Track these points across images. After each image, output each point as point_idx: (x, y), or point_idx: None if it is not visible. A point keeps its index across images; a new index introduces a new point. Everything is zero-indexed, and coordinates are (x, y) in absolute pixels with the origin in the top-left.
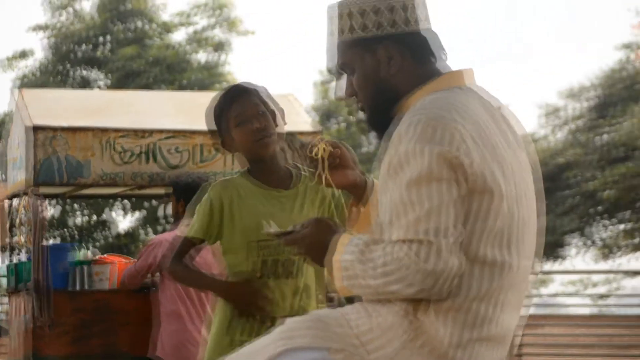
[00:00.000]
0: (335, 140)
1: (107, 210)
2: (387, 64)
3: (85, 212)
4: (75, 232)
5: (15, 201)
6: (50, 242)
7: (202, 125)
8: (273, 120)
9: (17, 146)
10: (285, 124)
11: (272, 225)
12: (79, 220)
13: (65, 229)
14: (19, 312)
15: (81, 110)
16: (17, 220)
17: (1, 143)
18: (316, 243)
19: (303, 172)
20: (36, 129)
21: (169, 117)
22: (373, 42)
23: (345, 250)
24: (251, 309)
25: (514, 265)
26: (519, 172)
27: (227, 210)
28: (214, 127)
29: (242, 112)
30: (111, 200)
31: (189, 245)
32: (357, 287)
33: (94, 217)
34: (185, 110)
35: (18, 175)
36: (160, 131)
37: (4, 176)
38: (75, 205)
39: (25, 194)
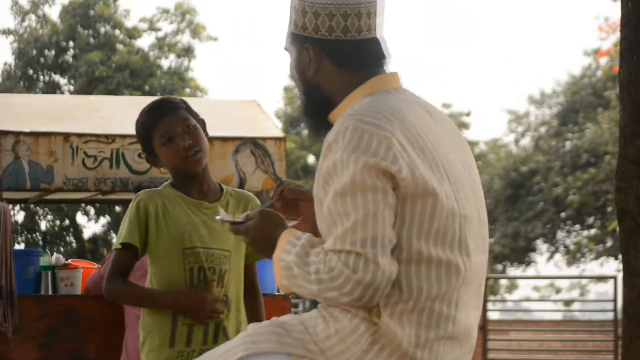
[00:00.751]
0: (288, 185)
1: (75, 215)
2: (307, 65)
3: (51, 217)
4: (41, 237)
5: None
6: (16, 247)
7: None
8: (203, 130)
9: None
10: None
11: (222, 213)
12: (44, 225)
13: (31, 234)
14: None
15: (45, 115)
16: None
17: None
18: (260, 236)
19: (228, 187)
20: (0, 134)
21: (134, 122)
22: (302, 41)
23: (284, 249)
24: (207, 315)
25: (460, 262)
26: (460, 169)
27: (153, 218)
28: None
29: (169, 129)
30: (78, 205)
31: (121, 257)
32: (297, 287)
33: (61, 222)
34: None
35: None
36: (125, 136)
37: None
38: (41, 211)
39: None
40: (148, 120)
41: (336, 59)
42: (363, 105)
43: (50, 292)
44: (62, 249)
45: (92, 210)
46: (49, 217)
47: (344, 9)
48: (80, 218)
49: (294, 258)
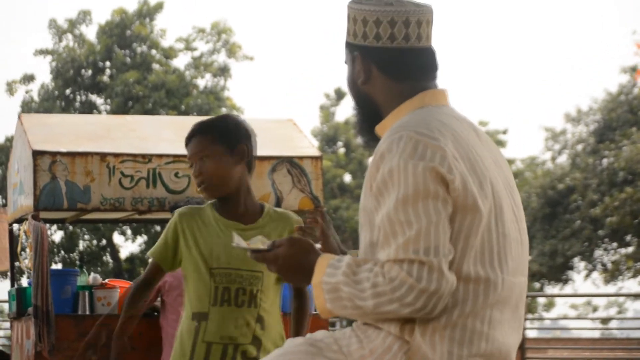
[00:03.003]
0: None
1: (112, 234)
2: (358, 73)
3: (88, 237)
4: (78, 257)
5: (16, 227)
6: (54, 267)
7: None
8: (237, 153)
9: (18, 171)
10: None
11: (237, 239)
12: (82, 245)
13: (68, 254)
14: (21, 338)
15: (82, 135)
16: (19, 246)
17: (3, 168)
18: (292, 264)
19: (270, 208)
20: (36, 154)
21: (170, 142)
22: (353, 49)
23: (326, 272)
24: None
25: (498, 280)
26: (502, 188)
27: (186, 236)
28: None
29: (190, 156)
30: (115, 225)
31: (151, 269)
32: (345, 310)
33: (98, 242)
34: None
35: (19, 201)
36: (161, 156)
37: (4, 201)
38: (78, 230)
39: (27, 219)
40: (185, 142)
41: (384, 66)
42: (415, 117)
43: (87, 312)
44: (99, 268)
45: (128, 230)
46: (86, 236)
47: (391, 15)
48: (117, 238)
49: (342, 278)
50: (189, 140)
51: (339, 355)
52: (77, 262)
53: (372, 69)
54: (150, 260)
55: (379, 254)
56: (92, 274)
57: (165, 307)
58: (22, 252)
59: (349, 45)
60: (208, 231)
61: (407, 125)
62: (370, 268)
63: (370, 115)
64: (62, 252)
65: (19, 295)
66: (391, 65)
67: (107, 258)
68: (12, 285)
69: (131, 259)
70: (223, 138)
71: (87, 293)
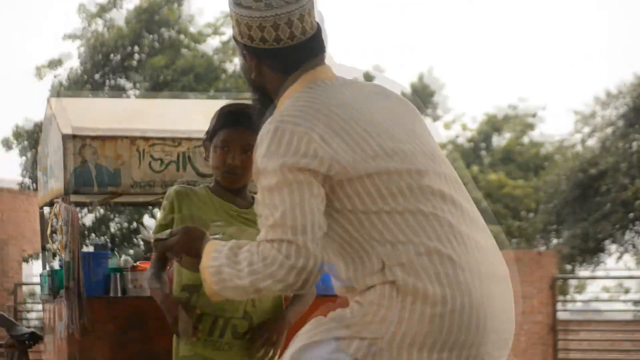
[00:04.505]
0: None
1: (142, 217)
2: (249, 69)
3: (118, 220)
4: (109, 239)
5: (47, 210)
6: (84, 250)
7: None
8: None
9: (48, 155)
10: None
11: (144, 232)
12: (112, 228)
13: (99, 237)
14: (54, 320)
15: (112, 118)
16: (49, 229)
17: (33, 152)
18: (186, 250)
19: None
20: (66, 137)
21: (200, 125)
22: (241, 48)
23: (211, 257)
24: (175, 331)
25: (426, 209)
26: (413, 152)
27: (182, 211)
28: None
29: (232, 140)
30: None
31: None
32: (228, 290)
33: (129, 225)
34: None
35: (50, 184)
36: (191, 139)
37: (35, 185)
38: (109, 214)
39: (58, 202)
40: (225, 120)
41: (271, 65)
42: (286, 105)
43: (119, 294)
44: (130, 251)
45: (159, 213)
46: (117, 219)
47: (273, 20)
48: (147, 220)
49: (224, 260)
50: (239, 125)
51: (347, 320)
52: (108, 245)
53: (261, 66)
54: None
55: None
56: (124, 256)
57: None
58: (53, 235)
59: (237, 43)
60: (204, 209)
61: (277, 115)
62: (249, 249)
63: (264, 102)
64: (93, 234)
65: (51, 278)
66: (279, 63)
67: (138, 241)
68: (44, 268)
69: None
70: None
71: (118, 275)
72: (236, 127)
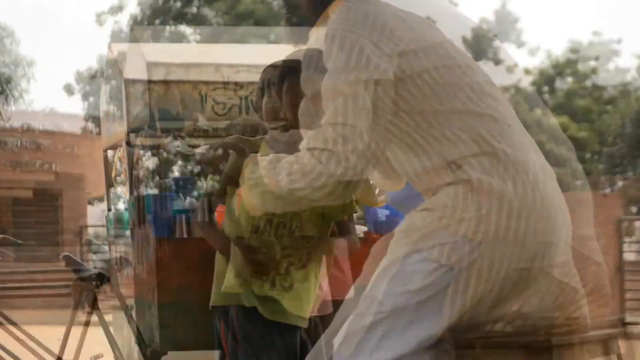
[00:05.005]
0: None
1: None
2: None
3: (182, 163)
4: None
5: (111, 153)
6: (150, 191)
7: None
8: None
9: (112, 99)
10: None
11: (182, 145)
12: (176, 171)
13: (163, 180)
14: (120, 261)
15: (174, 63)
16: (114, 172)
17: (96, 96)
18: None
19: None
20: (128, 82)
21: (261, 69)
22: None
23: (250, 170)
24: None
25: (488, 110)
26: (440, 41)
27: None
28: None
29: (280, 95)
30: None
31: (210, 193)
32: (268, 202)
33: (192, 168)
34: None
35: (113, 128)
36: (253, 83)
37: (98, 128)
38: (172, 157)
39: (121, 145)
40: (276, 75)
41: None
42: (342, 11)
43: (185, 235)
44: (194, 193)
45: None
46: (180, 163)
47: None
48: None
49: (263, 172)
50: (285, 80)
51: (424, 229)
52: (173, 188)
53: None
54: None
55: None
56: (189, 198)
57: None
58: (117, 178)
59: None
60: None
61: (336, 22)
62: (288, 160)
63: (314, 7)
64: (157, 177)
65: (116, 220)
66: None
67: (202, 183)
68: (109, 210)
69: None
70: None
71: (183, 217)
72: (287, 81)
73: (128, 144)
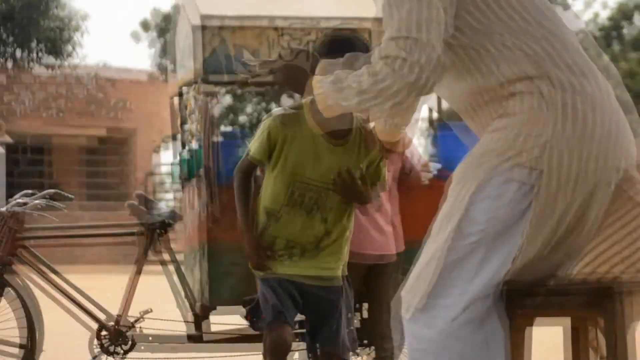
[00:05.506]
0: None
1: (279, 99)
2: None
3: (255, 101)
4: (242, 127)
5: (184, 93)
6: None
7: (369, 13)
8: None
9: (185, 38)
10: None
11: (248, 55)
12: (249, 109)
13: (236, 119)
14: (192, 200)
15: (241, 8)
16: (187, 112)
17: (170, 35)
18: (294, 71)
19: (360, 125)
20: (195, 27)
21: (328, 12)
22: None
23: (317, 87)
24: (252, 264)
25: (555, 28)
26: None
27: (279, 146)
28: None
29: (332, 70)
30: (283, 89)
31: (249, 164)
32: (339, 108)
33: (266, 106)
34: (351, 1)
35: (188, 65)
36: (329, 18)
37: (172, 66)
38: (245, 95)
39: (193, 86)
40: (329, 49)
41: None
42: None
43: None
44: None
45: (296, 95)
46: (254, 101)
47: None
48: (284, 102)
49: (329, 86)
50: (338, 54)
51: (498, 145)
52: (246, 127)
53: None
54: (249, 157)
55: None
56: None
57: None
58: (183, 124)
59: None
60: (300, 142)
61: None
62: (356, 73)
63: None
64: (230, 117)
65: (182, 166)
66: None
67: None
68: (175, 157)
69: None
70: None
71: None
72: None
73: (194, 90)
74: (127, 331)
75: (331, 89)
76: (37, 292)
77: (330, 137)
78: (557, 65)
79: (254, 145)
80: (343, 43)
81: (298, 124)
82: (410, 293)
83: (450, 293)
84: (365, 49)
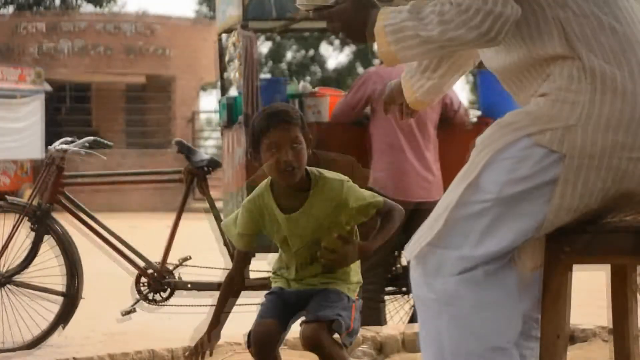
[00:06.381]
0: None
1: (319, 45)
2: None
3: (296, 47)
4: (287, 67)
5: (225, 37)
6: (263, 76)
7: None
8: (307, 147)
9: None
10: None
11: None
12: (290, 55)
13: (277, 65)
14: (232, 146)
15: None
16: (227, 57)
17: None
18: (354, 16)
19: (316, 178)
20: None
21: None
22: None
23: (389, 17)
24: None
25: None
26: None
27: (259, 224)
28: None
29: (279, 140)
30: (323, 35)
31: (239, 259)
32: (408, 49)
33: (306, 52)
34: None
35: (227, 12)
36: None
37: (212, 12)
38: (287, 41)
39: (233, 32)
40: (265, 124)
41: None
42: None
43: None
44: (307, 78)
45: (336, 40)
46: (294, 47)
47: None
48: (324, 48)
49: (406, 15)
50: (277, 126)
51: (533, 115)
52: (286, 73)
53: None
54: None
55: None
56: (302, 82)
57: (376, 115)
58: (231, 63)
59: None
60: (274, 224)
61: None
62: (435, 2)
63: None
64: (270, 62)
65: (230, 105)
66: None
67: (315, 68)
68: (222, 96)
69: (338, 69)
70: (304, 128)
71: (297, 101)
72: (281, 126)
73: (243, 28)
74: (166, 278)
75: (408, 19)
76: (77, 240)
77: (291, 210)
78: (606, 55)
79: (237, 226)
80: (279, 113)
81: (265, 205)
82: (415, 243)
83: (453, 248)
84: None
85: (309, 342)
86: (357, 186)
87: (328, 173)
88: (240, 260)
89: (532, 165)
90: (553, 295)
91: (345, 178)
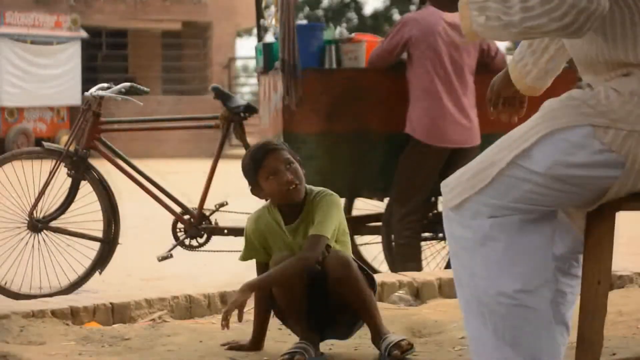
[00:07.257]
0: None
1: None
2: None
3: None
4: (323, 13)
5: None
6: (300, 22)
7: None
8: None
9: None
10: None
11: None
12: (326, 1)
13: (313, 10)
14: (269, 92)
15: None
16: (264, 2)
17: None
18: None
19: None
20: None
21: None
22: None
23: None
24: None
25: None
26: None
27: (262, 243)
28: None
29: (275, 165)
30: None
31: (259, 269)
32: (490, 30)
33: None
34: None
35: None
36: None
37: None
38: None
39: None
40: (256, 160)
41: None
42: None
43: (334, 66)
44: (344, 24)
45: None
46: None
47: None
48: None
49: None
50: (268, 154)
51: (602, 107)
52: (322, 19)
53: None
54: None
55: None
56: (339, 28)
57: (412, 61)
58: (267, 9)
59: None
60: (276, 241)
61: None
62: None
63: None
64: (307, 8)
65: (266, 51)
66: None
67: (352, 14)
68: (259, 42)
69: (375, 15)
70: (290, 151)
71: (333, 47)
72: (272, 154)
73: None
74: (203, 224)
75: (495, 2)
76: (113, 185)
77: (289, 223)
78: None
79: (244, 252)
80: (264, 145)
81: (266, 223)
82: (455, 194)
83: (493, 197)
84: None
85: (340, 263)
86: (336, 204)
87: (315, 187)
88: (261, 269)
89: (587, 155)
90: (595, 241)
91: (331, 192)
